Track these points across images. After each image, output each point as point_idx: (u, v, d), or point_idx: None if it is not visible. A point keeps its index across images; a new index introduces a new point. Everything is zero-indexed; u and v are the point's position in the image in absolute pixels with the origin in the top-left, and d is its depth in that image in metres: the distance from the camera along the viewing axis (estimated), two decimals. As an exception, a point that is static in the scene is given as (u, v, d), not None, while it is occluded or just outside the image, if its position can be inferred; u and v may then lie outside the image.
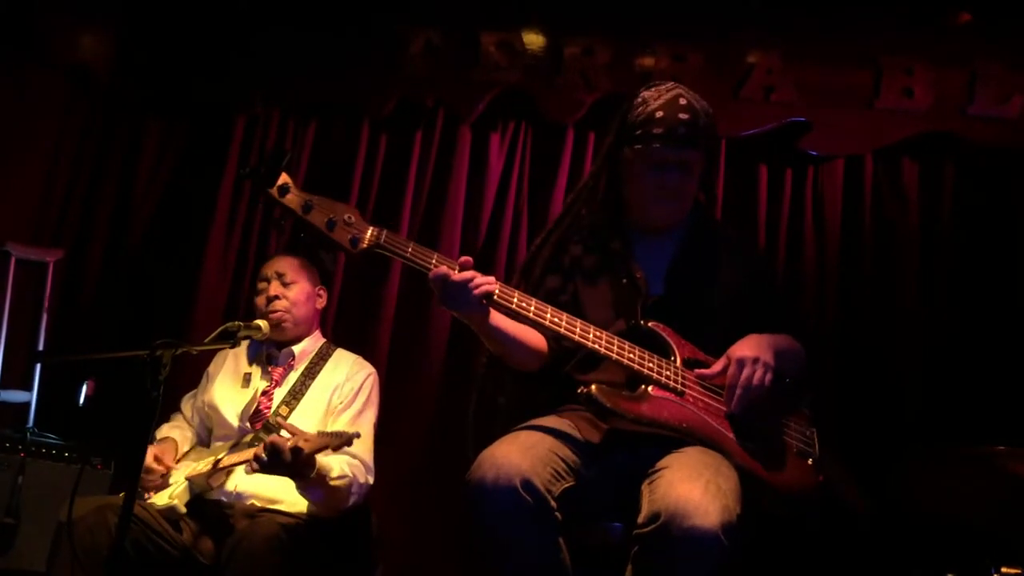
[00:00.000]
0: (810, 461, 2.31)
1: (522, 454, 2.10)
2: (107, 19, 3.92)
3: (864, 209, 3.46)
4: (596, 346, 2.21)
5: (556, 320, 2.20)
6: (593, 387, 2.15)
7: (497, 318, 2.28)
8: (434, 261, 2.14)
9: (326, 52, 3.78)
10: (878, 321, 3.37)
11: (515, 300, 2.18)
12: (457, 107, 3.69)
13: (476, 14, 3.72)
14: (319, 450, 2.35)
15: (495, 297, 2.15)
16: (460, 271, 2.13)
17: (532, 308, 2.19)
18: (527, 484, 2.04)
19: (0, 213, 3.62)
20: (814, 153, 3.50)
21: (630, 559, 2.06)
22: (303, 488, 2.51)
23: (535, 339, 2.41)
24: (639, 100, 2.40)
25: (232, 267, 3.66)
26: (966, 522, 2.48)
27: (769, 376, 2.23)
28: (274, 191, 2.07)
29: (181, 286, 3.63)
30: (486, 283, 2.14)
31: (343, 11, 3.77)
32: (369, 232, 2.12)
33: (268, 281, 2.92)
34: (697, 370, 2.29)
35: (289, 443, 2.34)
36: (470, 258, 2.15)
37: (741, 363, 2.24)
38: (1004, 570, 2.16)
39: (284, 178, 2.09)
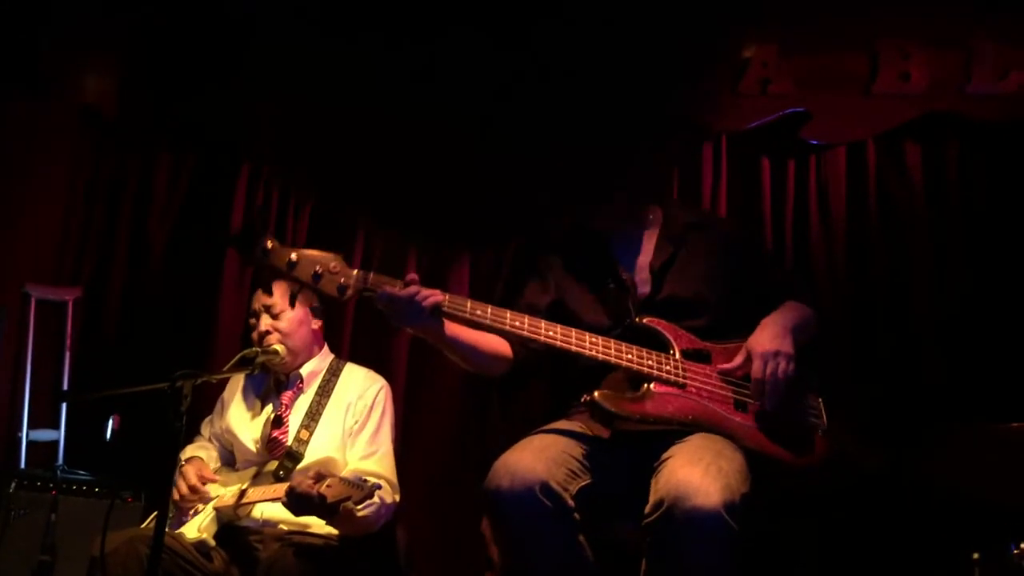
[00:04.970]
0: (820, 433, 2.34)
1: (535, 457, 2.13)
2: (112, 55, 3.95)
3: (869, 194, 3.45)
4: (593, 353, 2.25)
5: (516, 323, 2.24)
6: (596, 393, 2.20)
7: (454, 328, 2.33)
8: (388, 286, 2.18)
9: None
10: (892, 305, 3.37)
11: (467, 307, 2.23)
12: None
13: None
14: (342, 500, 2.36)
15: (445, 308, 2.21)
16: (404, 288, 2.18)
17: (488, 314, 2.23)
18: (544, 487, 2.08)
19: (18, 254, 3.67)
20: (815, 142, 3.50)
21: (644, 552, 2.09)
22: (330, 524, 2.55)
23: (495, 343, 2.45)
24: None
25: (248, 292, 3.67)
26: (987, 499, 2.49)
27: (792, 366, 2.27)
28: (258, 257, 2.15)
29: (200, 315, 3.66)
30: (432, 295, 2.20)
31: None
32: (354, 277, 2.18)
33: (258, 316, 2.89)
34: (720, 366, 2.33)
35: (315, 490, 2.36)
36: (415, 275, 2.22)
37: (764, 358, 2.28)
38: (1024, 545, 2.17)
39: (268, 243, 2.16)
